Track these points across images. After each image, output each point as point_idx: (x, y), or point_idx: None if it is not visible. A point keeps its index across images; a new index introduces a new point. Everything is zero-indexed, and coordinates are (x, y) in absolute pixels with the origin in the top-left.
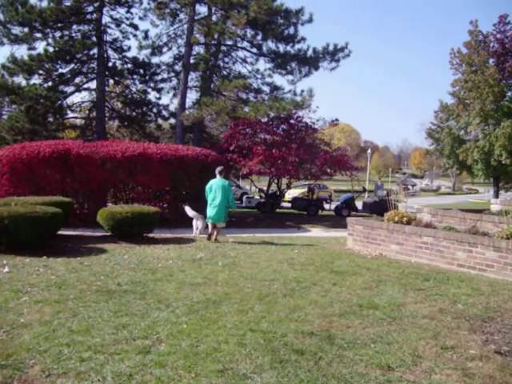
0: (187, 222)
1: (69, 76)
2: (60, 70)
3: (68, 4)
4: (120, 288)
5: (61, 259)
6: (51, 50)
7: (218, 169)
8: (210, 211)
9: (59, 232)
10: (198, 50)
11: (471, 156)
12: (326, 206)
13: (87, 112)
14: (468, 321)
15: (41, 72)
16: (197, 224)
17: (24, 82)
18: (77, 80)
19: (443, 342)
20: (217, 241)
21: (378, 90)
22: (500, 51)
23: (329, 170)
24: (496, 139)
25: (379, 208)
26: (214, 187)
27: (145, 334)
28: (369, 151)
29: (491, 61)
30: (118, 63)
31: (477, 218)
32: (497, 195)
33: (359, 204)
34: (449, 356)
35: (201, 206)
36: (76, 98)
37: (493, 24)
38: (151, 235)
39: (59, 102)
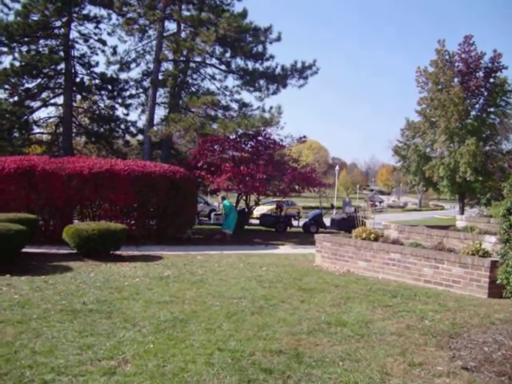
0: (154, 239)
1: (35, 91)
2: (26, 85)
3: (35, 18)
4: (85, 307)
5: (25, 278)
6: (17, 64)
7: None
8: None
9: (24, 250)
10: (167, 66)
11: (437, 173)
12: (295, 222)
13: (54, 127)
14: (435, 337)
15: (6, 87)
16: None
17: None
18: (43, 95)
19: (411, 359)
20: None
21: (346, 107)
22: (464, 70)
23: (297, 187)
24: (461, 156)
25: (347, 224)
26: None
27: (110, 354)
28: (337, 168)
29: (456, 80)
30: (86, 79)
31: (443, 234)
32: (462, 211)
33: (327, 221)
34: (416, 373)
35: (168, 222)
36: (42, 114)
37: (458, 44)
38: (118, 253)
39: (25, 117)
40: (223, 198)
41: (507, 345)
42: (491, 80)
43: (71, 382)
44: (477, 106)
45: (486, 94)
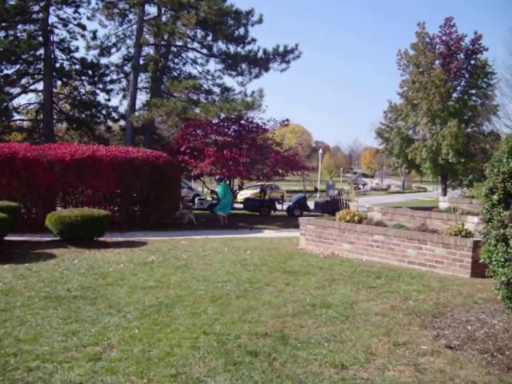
0: (138, 225)
1: (14, 77)
2: (5, 71)
3: (12, 3)
4: (70, 294)
5: (8, 266)
6: None
7: (217, 177)
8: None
9: (6, 238)
10: (148, 50)
11: (420, 155)
12: (279, 206)
13: (34, 114)
14: (419, 317)
15: None
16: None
17: None
18: (23, 81)
19: (395, 339)
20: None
21: (328, 89)
22: (446, 53)
23: (280, 171)
24: (443, 138)
25: (331, 207)
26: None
27: (95, 340)
28: (320, 151)
29: (437, 62)
30: (66, 64)
31: (426, 215)
32: (445, 193)
33: (311, 204)
34: (401, 352)
35: (152, 208)
36: (22, 100)
37: (439, 26)
38: (102, 239)
39: (5, 103)
40: (220, 180)
41: (490, 323)
42: (472, 62)
43: (56, 369)
44: (458, 87)
45: (467, 75)
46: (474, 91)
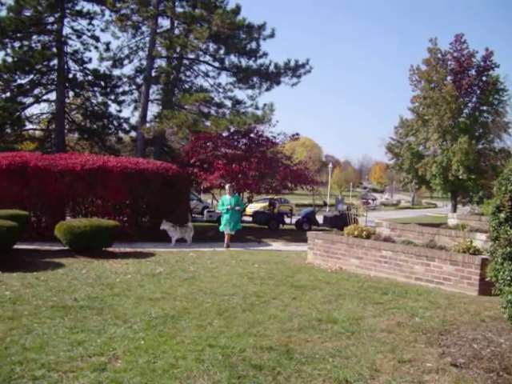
0: (147, 236)
1: (28, 87)
2: (19, 81)
3: (28, 14)
4: (77, 303)
5: (16, 274)
6: (10, 60)
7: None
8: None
9: (16, 246)
10: (160, 62)
11: (430, 171)
12: (287, 220)
13: (46, 124)
14: (425, 334)
15: None
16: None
17: None
18: (36, 91)
19: (401, 356)
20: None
21: (339, 104)
22: (457, 69)
23: (289, 184)
24: (453, 154)
25: (340, 222)
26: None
27: (101, 350)
28: (330, 166)
29: (449, 78)
30: (79, 75)
31: (434, 231)
32: (455, 209)
33: (320, 218)
34: (406, 369)
35: (161, 219)
36: (35, 110)
37: (449, 43)
38: (110, 249)
39: (17, 113)
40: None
41: (496, 341)
42: (483, 78)
43: (61, 378)
44: (469, 104)
45: (478, 92)
46: (485, 108)
